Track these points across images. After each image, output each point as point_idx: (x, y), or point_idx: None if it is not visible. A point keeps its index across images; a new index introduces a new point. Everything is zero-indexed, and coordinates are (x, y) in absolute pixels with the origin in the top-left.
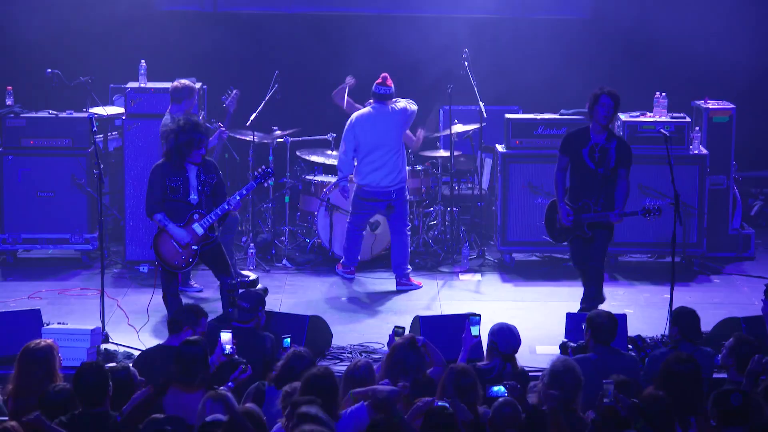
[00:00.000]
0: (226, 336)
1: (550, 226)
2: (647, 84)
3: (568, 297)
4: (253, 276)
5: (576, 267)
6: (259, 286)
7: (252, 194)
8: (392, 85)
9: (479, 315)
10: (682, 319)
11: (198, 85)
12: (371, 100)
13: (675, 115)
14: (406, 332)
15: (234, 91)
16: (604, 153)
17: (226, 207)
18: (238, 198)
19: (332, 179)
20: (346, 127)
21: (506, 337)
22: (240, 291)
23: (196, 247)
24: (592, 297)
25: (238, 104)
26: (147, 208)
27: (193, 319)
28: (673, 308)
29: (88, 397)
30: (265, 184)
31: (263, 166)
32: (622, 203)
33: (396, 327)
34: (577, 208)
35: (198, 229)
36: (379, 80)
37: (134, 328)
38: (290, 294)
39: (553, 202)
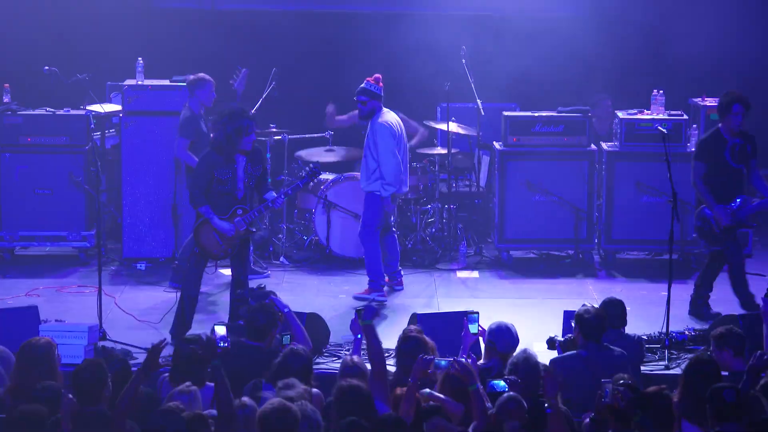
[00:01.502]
0: (220, 330)
1: (707, 235)
2: (645, 81)
3: (565, 294)
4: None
5: (740, 261)
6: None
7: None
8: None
9: (477, 313)
10: (609, 308)
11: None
12: (368, 100)
13: (672, 112)
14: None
15: (242, 70)
16: (743, 150)
17: (270, 205)
18: (282, 198)
19: (329, 176)
20: (382, 135)
21: (504, 336)
22: (251, 304)
23: (236, 241)
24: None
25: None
26: (192, 198)
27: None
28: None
29: (86, 395)
30: (312, 183)
31: (311, 164)
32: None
33: (356, 310)
34: (737, 205)
35: (240, 224)
36: (375, 80)
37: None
38: (287, 291)
39: (700, 212)
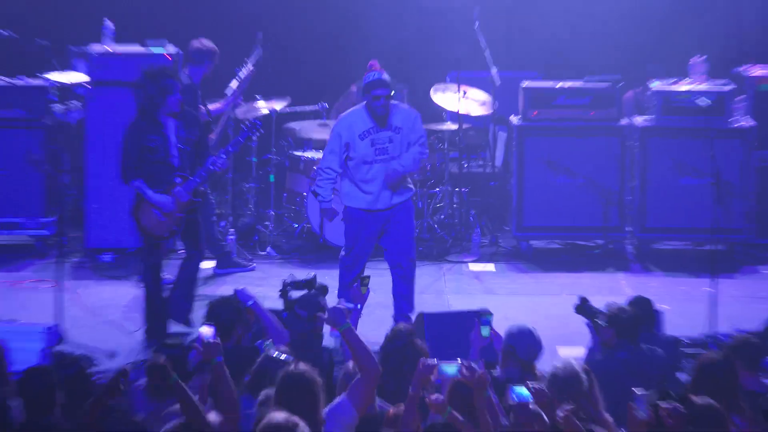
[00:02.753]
0: (207, 332)
1: None
2: (683, 47)
3: (593, 289)
4: (309, 274)
5: None
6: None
7: (232, 173)
8: None
9: (491, 314)
10: (636, 309)
11: (173, 50)
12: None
13: (715, 82)
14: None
15: (250, 67)
16: None
17: (211, 168)
18: (224, 156)
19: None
20: (420, 123)
21: (526, 340)
22: (295, 295)
23: (180, 214)
24: None
25: (220, 71)
26: (122, 173)
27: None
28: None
29: (34, 406)
30: (254, 137)
31: (250, 118)
32: None
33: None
34: None
35: (182, 194)
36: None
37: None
38: (276, 287)
39: None
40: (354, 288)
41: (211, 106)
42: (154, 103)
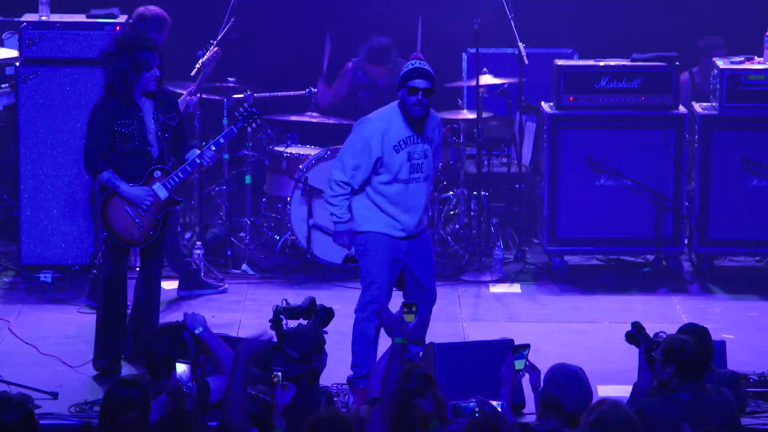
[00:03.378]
0: (181, 368)
1: None
2: (754, 18)
3: (641, 315)
4: (308, 298)
5: None
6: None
7: (199, 173)
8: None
9: (528, 345)
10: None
11: (123, 19)
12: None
13: None
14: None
15: (214, 49)
16: None
17: (198, 161)
18: (213, 149)
19: (311, 151)
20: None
21: (575, 388)
22: (286, 329)
23: (158, 216)
24: None
25: (180, 52)
26: (87, 163)
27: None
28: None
29: None
30: (249, 130)
31: (245, 104)
32: None
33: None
34: None
35: (161, 191)
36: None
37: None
38: (253, 312)
39: None
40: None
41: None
42: (126, 80)
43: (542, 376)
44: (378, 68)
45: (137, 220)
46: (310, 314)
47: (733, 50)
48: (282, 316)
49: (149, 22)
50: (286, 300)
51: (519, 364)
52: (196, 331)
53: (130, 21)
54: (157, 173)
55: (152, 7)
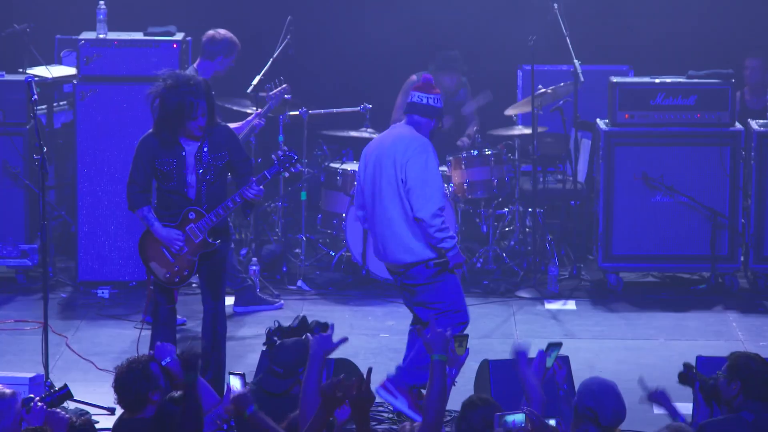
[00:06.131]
0: (235, 381)
1: None
2: None
3: (697, 333)
4: (298, 317)
5: None
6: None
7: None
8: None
9: (560, 344)
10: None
11: (180, 36)
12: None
13: None
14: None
15: (283, 85)
16: None
17: (231, 205)
18: (255, 187)
19: None
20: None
21: (613, 404)
22: (277, 344)
23: (193, 258)
24: None
25: (237, 69)
26: (128, 198)
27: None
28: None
29: None
30: (287, 173)
31: (285, 148)
32: None
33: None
34: None
35: (195, 233)
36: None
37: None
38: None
39: None
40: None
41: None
42: (170, 123)
43: (576, 389)
44: (448, 77)
45: (172, 260)
46: (303, 333)
47: None
48: (275, 338)
49: (218, 45)
50: (278, 321)
51: (549, 362)
52: (163, 362)
53: (204, 39)
54: (192, 215)
55: (222, 31)
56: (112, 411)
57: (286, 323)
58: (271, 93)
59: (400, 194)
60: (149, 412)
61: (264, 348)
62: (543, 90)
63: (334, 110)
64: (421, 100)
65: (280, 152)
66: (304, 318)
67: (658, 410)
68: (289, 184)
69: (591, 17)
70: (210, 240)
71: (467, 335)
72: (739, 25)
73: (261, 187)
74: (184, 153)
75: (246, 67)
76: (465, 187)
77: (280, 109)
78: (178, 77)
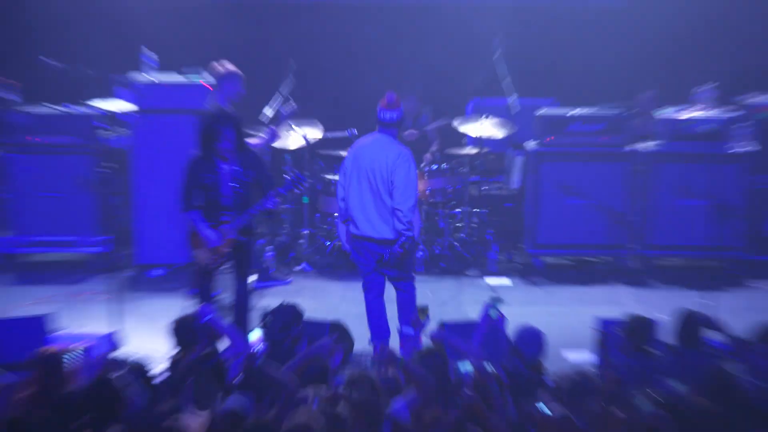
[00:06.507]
0: (256, 333)
1: None
2: (689, 76)
3: (600, 301)
4: (287, 279)
5: None
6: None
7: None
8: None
9: (501, 300)
10: (690, 321)
11: (209, 78)
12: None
13: (719, 110)
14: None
15: (293, 105)
16: None
17: (255, 212)
18: (273, 200)
19: None
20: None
21: (535, 345)
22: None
23: (226, 250)
24: None
25: (252, 100)
26: (181, 203)
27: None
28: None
29: (102, 414)
30: (297, 190)
31: (296, 172)
32: None
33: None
34: None
35: (228, 231)
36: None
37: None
38: (310, 299)
39: None
40: (415, 317)
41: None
42: (205, 146)
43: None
44: (411, 103)
45: (211, 252)
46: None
47: (670, 101)
48: (269, 317)
49: (220, 78)
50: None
51: (493, 313)
52: (204, 320)
53: (231, 73)
54: (226, 218)
55: (221, 64)
56: (165, 360)
57: (291, 298)
58: (282, 110)
59: (388, 190)
60: (194, 355)
61: (261, 325)
62: (487, 120)
63: (328, 135)
64: (384, 116)
65: (292, 175)
66: (281, 303)
67: (570, 355)
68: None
69: (524, 62)
70: (239, 237)
71: (428, 306)
72: (635, 67)
73: (278, 199)
74: (220, 171)
75: (259, 101)
76: (427, 193)
77: (289, 130)
78: (209, 112)
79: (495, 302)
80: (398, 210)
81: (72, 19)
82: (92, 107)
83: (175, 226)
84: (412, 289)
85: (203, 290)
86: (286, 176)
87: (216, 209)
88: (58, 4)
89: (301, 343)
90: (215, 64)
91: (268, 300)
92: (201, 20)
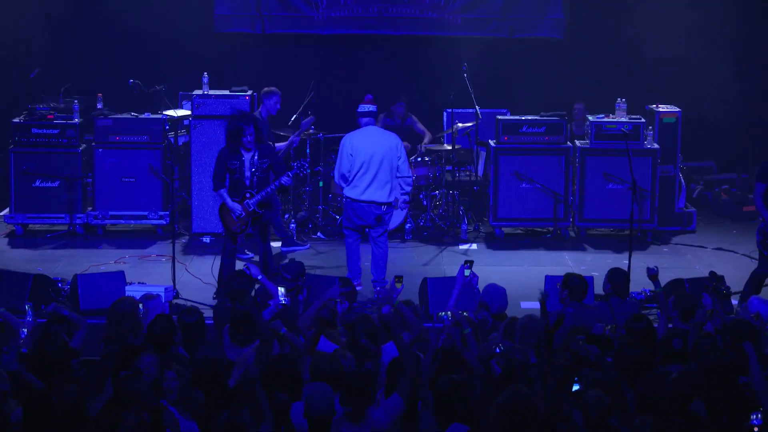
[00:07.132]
0: (281, 289)
1: None
2: (611, 91)
3: (546, 262)
4: (306, 245)
5: None
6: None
7: (293, 180)
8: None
9: (472, 261)
10: (615, 277)
11: (250, 92)
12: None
13: (633, 116)
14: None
15: (311, 117)
16: None
17: (270, 190)
18: (286, 178)
19: None
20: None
21: (499, 299)
22: (285, 276)
23: (248, 219)
24: None
25: (283, 112)
26: (213, 183)
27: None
28: (612, 270)
29: (159, 345)
30: (301, 174)
31: (300, 159)
32: None
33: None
34: None
35: (249, 205)
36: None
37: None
38: (324, 261)
39: (762, 228)
40: (391, 283)
41: (279, 143)
42: (230, 139)
43: (481, 288)
44: (400, 108)
45: (236, 221)
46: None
47: (595, 110)
48: (281, 269)
49: (265, 96)
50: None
51: (467, 272)
52: (256, 276)
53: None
54: (248, 195)
55: (269, 88)
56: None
57: (306, 261)
58: (303, 121)
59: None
60: (244, 306)
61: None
62: (458, 125)
63: (338, 135)
64: (365, 108)
65: (297, 162)
66: (292, 259)
67: (525, 305)
68: (312, 177)
69: (486, 79)
70: (258, 210)
71: (402, 276)
72: (570, 84)
73: (291, 180)
74: (244, 158)
75: (288, 110)
76: (414, 178)
77: (308, 133)
78: (236, 113)
79: (468, 264)
80: (407, 177)
81: (153, 49)
82: (162, 114)
83: (218, 204)
84: (387, 245)
85: (230, 249)
86: (294, 163)
87: (240, 188)
88: (140, 37)
89: (303, 291)
90: (265, 88)
91: (288, 259)
92: (247, 50)
